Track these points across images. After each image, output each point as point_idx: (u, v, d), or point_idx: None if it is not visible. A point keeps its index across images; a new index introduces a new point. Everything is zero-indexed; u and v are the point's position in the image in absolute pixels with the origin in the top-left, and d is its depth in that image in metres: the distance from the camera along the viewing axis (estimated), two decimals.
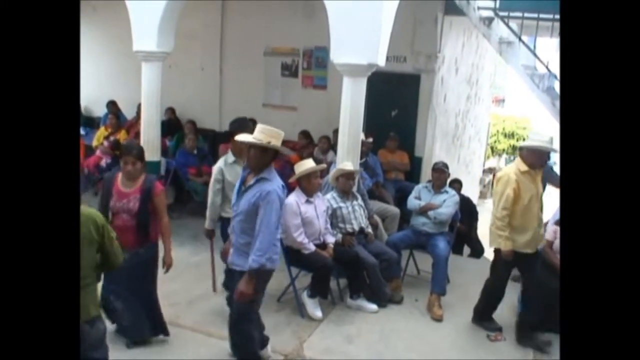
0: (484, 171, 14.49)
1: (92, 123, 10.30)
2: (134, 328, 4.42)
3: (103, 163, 8.31)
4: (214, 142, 8.71)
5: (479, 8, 6.56)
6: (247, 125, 4.80)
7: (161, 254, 4.44)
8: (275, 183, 3.67)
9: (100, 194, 4.41)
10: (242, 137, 3.78)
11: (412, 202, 5.92)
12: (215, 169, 5.03)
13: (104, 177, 4.57)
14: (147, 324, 4.47)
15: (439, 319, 5.23)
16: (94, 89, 10.60)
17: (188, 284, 5.62)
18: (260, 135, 3.68)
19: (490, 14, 6.48)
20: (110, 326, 4.10)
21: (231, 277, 4.15)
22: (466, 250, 7.64)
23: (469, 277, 6.22)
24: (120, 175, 4.30)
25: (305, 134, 8.16)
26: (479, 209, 8.26)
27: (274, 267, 3.78)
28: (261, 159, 3.69)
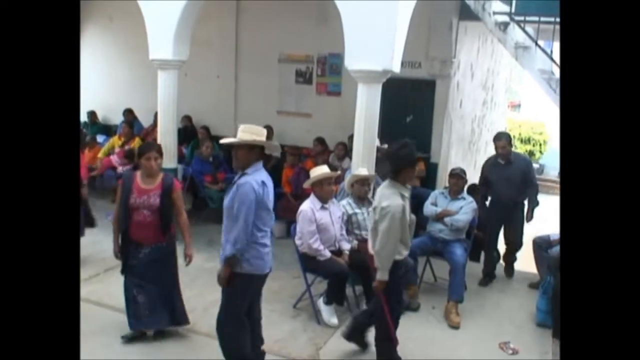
0: None
1: (110, 131, 10.40)
2: (153, 320, 4.58)
3: (121, 170, 8.37)
4: (229, 150, 8.72)
5: (494, 13, 6.52)
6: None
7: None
8: (253, 177, 3.70)
9: (119, 192, 4.52)
10: (226, 140, 3.87)
11: (429, 208, 5.89)
12: None
13: (123, 176, 4.74)
14: (166, 316, 4.63)
15: (456, 326, 5.18)
16: (111, 98, 10.72)
17: (203, 289, 5.62)
18: (244, 135, 3.74)
19: (505, 18, 6.44)
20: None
21: None
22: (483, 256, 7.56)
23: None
24: (139, 174, 4.49)
25: (320, 141, 8.16)
26: None
27: (257, 272, 3.80)
28: (247, 158, 3.76)
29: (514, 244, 6.48)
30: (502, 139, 6.15)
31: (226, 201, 3.80)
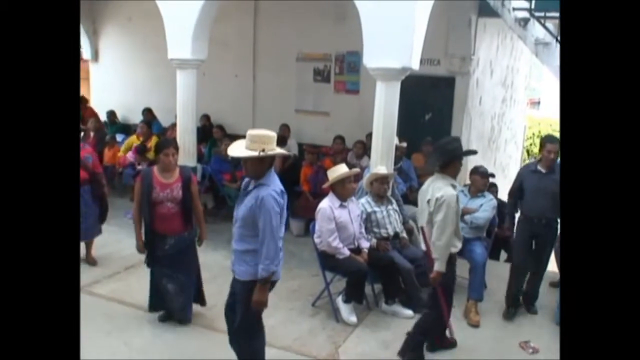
0: None
1: (129, 130, 10.50)
2: (183, 310, 4.85)
3: (139, 167, 8.45)
4: None
5: (514, 9, 6.46)
6: None
7: None
8: (271, 187, 3.51)
9: (138, 188, 4.67)
10: (234, 151, 3.58)
11: None
12: None
13: (141, 173, 4.87)
14: (191, 299, 4.92)
15: (476, 325, 5.14)
16: (131, 97, 10.83)
17: (223, 287, 5.60)
18: (253, 144, 3.48)
19: (525, 14, 6.37)
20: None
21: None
22: (503, 255, 7.50)
23: (506, 282, 6.12)
24: (156, 169, 4.66)
25: (341, 139, 8.13)
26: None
27: (276, 278, 3.67)
28: (260, 167, 3.54)
29: (539, 272, 5.42)
30: (554, 143, 5.05)
31: (242, 210, 3.61)
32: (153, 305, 4.93)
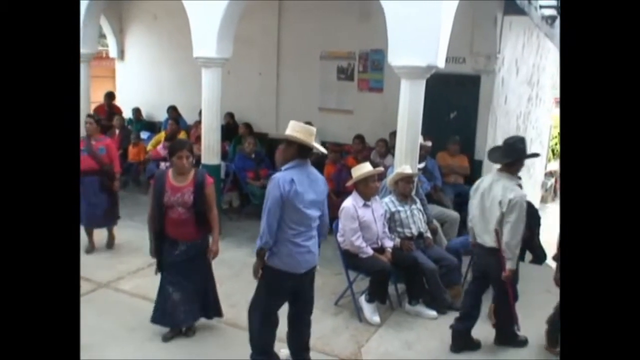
0: (546, 175, 13.99)
1: (154, 128, 10.60)
2: (186, 317, 4.59)
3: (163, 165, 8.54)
4: (270, 146, 8.81)
5: (541, 7, 6.35)
6: None
7: None
8: (283, 174, 3.75)
9: (152, 191, 4.52)
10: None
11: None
12: None
13: (155, 175, 4.73)
14: (198, 310, 4.67)
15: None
16: (156, 95, 10.92)
17: (246, 285, 5.62)
18: (288, 131, 3.80)
19: (553, 12, 6.27)
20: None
21: None
22: (528, 256, 7.40)
23: (530, 283, 6.02)
24: (171, 172, 4.47)
25: (359, 138, 8.09)
26: (540, 213, 7.98)
27: (287, 269, 3.82)
28: (285, 152, 3.84)
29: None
30: None
31: None
32: (155, 318, 4.62)
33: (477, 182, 4.72)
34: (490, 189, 4.40)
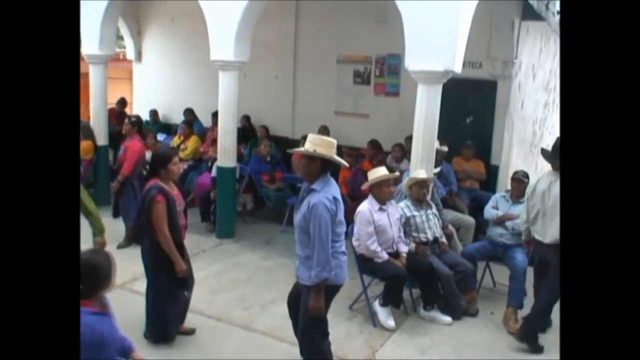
0: None
1: (170, 130, 10.68)
2: (174, 328, 4.60)
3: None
4: (285, 149, 8.82)
5: (558, 12, 6.33)
6: None
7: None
8: (322, 194, 3.60)
9: (161, 208, 4.25)
10: (295, 150, 3.89)
11: (490, 211, 5.76)
12: None
13: (154, 194, 4.26)
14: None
15: (515, 333, 5.04)
16: (172, 97, 11.00)
17: (260, 288, 5.68)
18: (307, 144, 3.69)
19: None
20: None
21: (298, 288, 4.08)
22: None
23: None
24: (162, 183, 4.31)
25: (373, 144, 8.03)
26: None
27: (338, 282, 3.77)
28: (308, 168, 3.69)
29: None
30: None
31: (298, 218, 3.72)
32: (149, 333, 4.57)
33: (531, 185, 4.87)
34: (550, 188, 4.52)
